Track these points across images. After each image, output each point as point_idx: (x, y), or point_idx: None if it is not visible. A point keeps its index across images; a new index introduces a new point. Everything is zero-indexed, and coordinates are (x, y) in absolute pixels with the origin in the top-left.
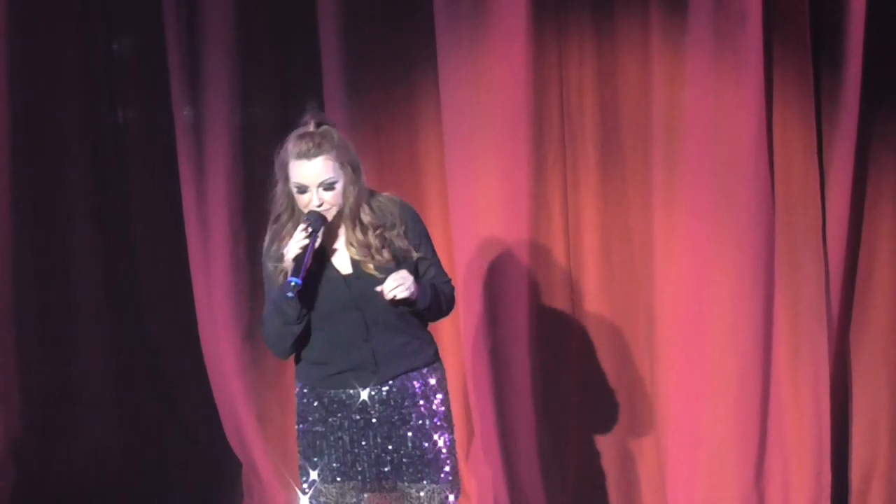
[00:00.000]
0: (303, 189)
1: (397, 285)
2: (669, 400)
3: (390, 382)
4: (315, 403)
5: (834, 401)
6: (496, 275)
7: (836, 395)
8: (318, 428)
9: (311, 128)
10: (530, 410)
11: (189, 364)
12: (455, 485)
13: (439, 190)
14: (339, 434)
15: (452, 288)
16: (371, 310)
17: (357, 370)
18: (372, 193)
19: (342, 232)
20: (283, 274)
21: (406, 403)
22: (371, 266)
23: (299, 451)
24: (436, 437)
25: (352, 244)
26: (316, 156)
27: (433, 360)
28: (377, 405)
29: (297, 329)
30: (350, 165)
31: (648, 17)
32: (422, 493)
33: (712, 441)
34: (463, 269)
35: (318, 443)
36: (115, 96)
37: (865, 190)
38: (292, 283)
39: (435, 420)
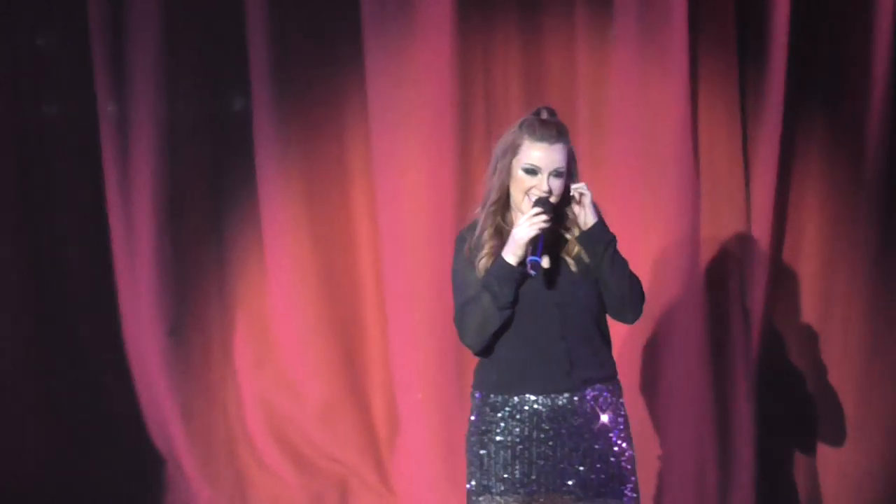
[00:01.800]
0: (534, 171)
1: (588, 191)
2: None
3: (581, 391)
4: (498, 414)
5: (758, 391)
6: (422, 269)
7: (761, 386)
8: (499, 438)
9: (550, 116)
10: (457, 408)
11: (113, 360)
12: (637, 503)
13: (365, 184)
14: (525, 445)
15: (639, 280)
16: (571, 307)
17: (550, 370)
18: None
19: (551, 226)
20: (486, 257)
21: (594, 415)
22: (570, 260)
23: (474, 463)
24: (620, 452)
25: (567, 236)
26: (557, 142)
27: (616, 372)
28: (567, 415)
29: (507, 315)
30: (574, 163)
31: (574, 12)
32: None
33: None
34: (389, 262)
35: (501, 454)
36: (39, 91)
37: (790, 183)
38: (534, 262)
39: (620, 434)
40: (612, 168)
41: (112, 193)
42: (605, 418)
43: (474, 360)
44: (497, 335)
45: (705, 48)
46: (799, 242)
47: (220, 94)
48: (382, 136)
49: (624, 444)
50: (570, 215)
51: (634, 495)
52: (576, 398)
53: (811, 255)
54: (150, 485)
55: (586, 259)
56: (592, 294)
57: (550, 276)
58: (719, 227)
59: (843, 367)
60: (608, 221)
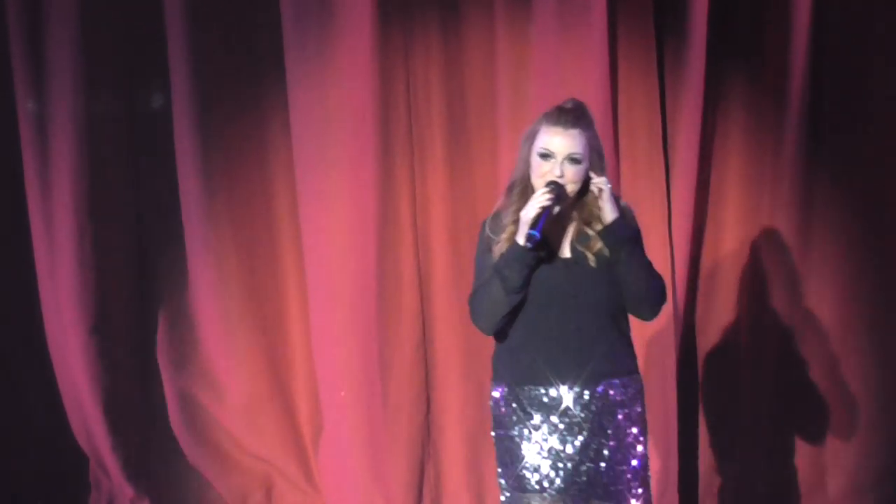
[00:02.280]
0: (548, 156)
1: (607, 185)
2: None
3: (594, 387)
4: (514, 405)
5: (681, 392)
6: (344, 267)
7: (683, 387)
8: (514, 433)
9: (572, 105)
10: (380, 404)
11: (34, 358)
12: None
13: (288, 182)
14: (539, 439)
15: (662, 279)
16: (587, 297)
17: (562, 361)
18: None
19: (573, 217)
20: (503, 242)
21: (608, 411)
22: (591, 255)
23: (497, 459)
24: (632, 451)
25: (588, 231)
26: (573, 127)
27: (635, 369)
28: (580, 409)
29: (516, 300)
30: (597, 153)
31: (493, 7)
32: None
33: None
34: (312, 262)
35: (516, 450)
36: None
37: (709, 182)
38: (530, 234)
39: (633, 432)
40: None
41: (32, 191)
42: (619, 415)
43: (399, 359)
44: (510, 319)
45: (624, 42)
46: (719, 242)
47: (140, 92)
48: (304, 135)
49: (637, 443)
50: (595, 211)
51: (641, 491)
52: (587, 392)
53: (731, 254)
54: (73, 484)
55: (608, 255)
56: (610, 290)
57: (569, 269)
58: (638, 215)
59: (767, 352)
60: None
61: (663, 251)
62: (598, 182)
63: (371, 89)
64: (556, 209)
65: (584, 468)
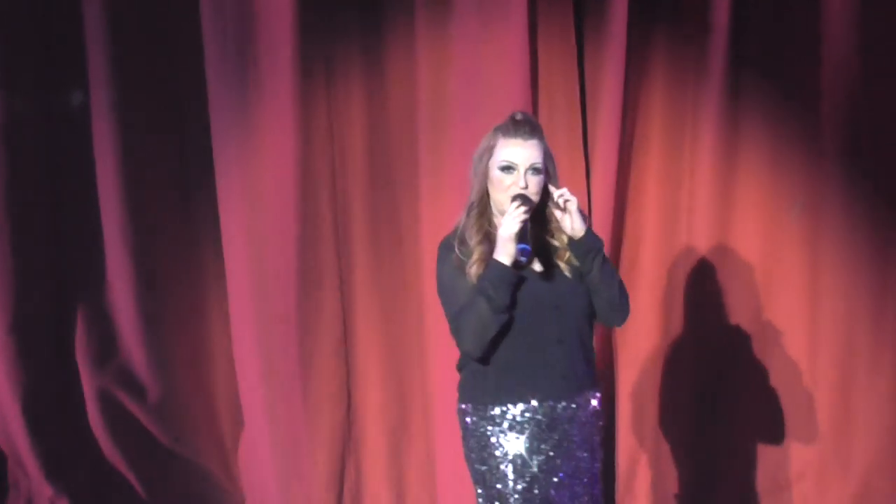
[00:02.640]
0: (510, 168)
1: (573, 197)
2: (438, 391)
3: (579, 397)
4: (493, 427)
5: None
6: (264, 265)
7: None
8: (498, 453)
9: (524, 117)
10: (300, 402)
11: None
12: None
13: (208, 179)
14: (527, 456)
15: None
16: (568, 311)
17: (548, 375)
18: None
19: (536, 231)
20: (475, 263)
21: (587, 421)
22: (563, 266)
23: (478, 481)
24: (597, 460)
25: (554, 243)
26: (531, 138)
27: (599, 379)
28: (564, 423)
29: (504, 319)
30: (552, 164)
31: (413, 8)
32: None
33: None
34: (232, 260)
35: (501, 468)
36: None
37: (629, 180)
38: (522, 249)
39: (598, 442)
40: (452, 158)
41: None
42: (595, 424)
43: (320, 356)
44: (495, 341)
45: (545, 42)
46: (639, 239)
47: (57, 89)
48: (223, 133)
49: (599, 453)
50: (555, 221)
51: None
52: (572, 404)
53: (649, 250)
54: None
55: (577, 264)
56: (586, 298)
57: (547, 281)
58: None
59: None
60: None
61: None
62: (563, 193)
63: (291, 87)
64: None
65: (553, 479)
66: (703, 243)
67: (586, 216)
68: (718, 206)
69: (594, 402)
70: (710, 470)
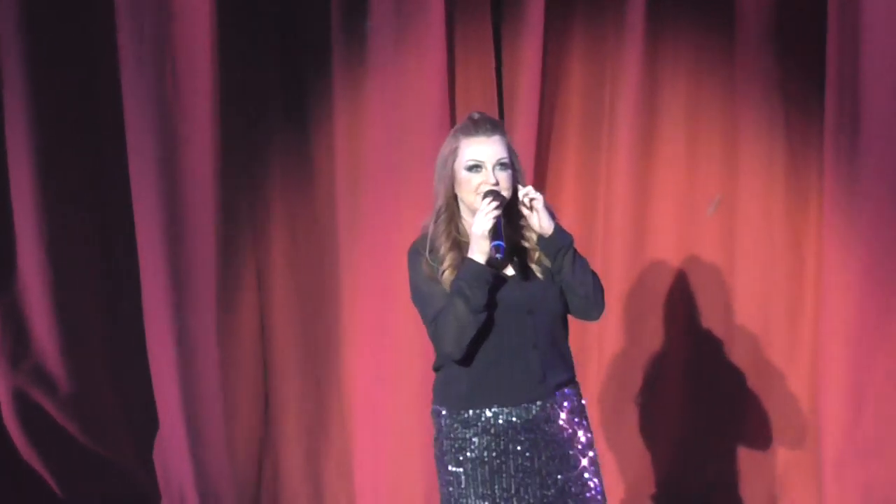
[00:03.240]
0: (477, 167)
1: (538, 194)
2: (355, 387)
3: (554, 397)
4: (470, 431)
5: None
6: (180, 263)
7: None
8: (473, 455)
9: (482, 116)
10: (219, 400)
11: None
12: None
13: (122, 177)
14: (501, 459)
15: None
16: (541, 313)
17: (523, 379)
18: None
19: (508, 233)
20: (447, 268)
21: (566, 419)
22: (535, 268)
23: (451, 483)
24: (588, 454)
25: (524, 244)
26: (493, 133)
27: (575, 371)
28: (541, 423)
29: (481, 319)
30: (517, 159)
31: (329, 22)
32: None
33: (398, 429)
34: (147, 256)
35: (478, 471)
36: None
37: (546, 173)
38: (498, 246)
39: (587, 437)
40: (369, 164)
41: None
42: (575, 421)
43: (237, 355)
44: (475, 342)
45: (461, 36)
46: None
47: None
48: (137, 133)
49: (589, 446)
50: (524, 220)
51: (600, 497)
52: (548, 405)
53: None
54: None
55: (548, 263)
56: (558, 298)
57: (520, 285)
58: None
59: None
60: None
61: None
62: (528, 192)
63: (207, 89)
64: (501, 219)
65: (549, 481)
66: (620, 238)
67: (553, 213)
68: (635, 201)
69: (573, 400)
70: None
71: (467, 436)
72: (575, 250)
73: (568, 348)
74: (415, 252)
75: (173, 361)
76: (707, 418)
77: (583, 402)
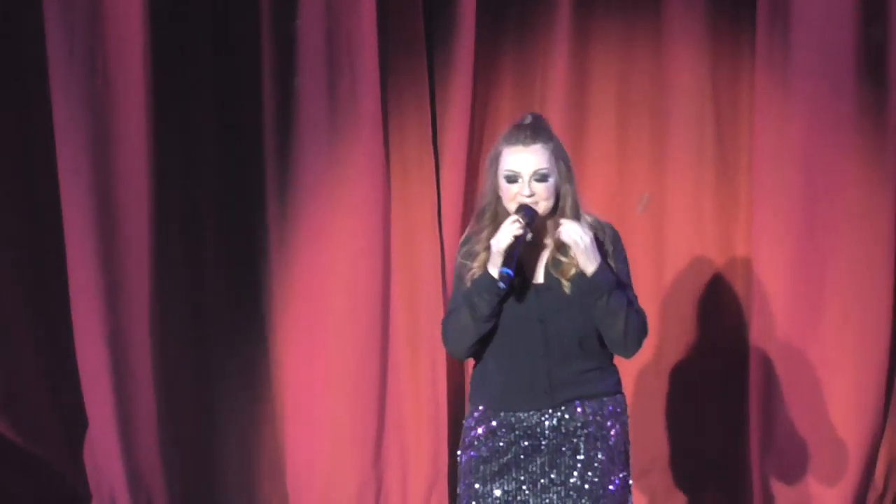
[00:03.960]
0: (514, 178)
1: (578, 235)
2: (288, 388)
3: (562, 408)
4: (480, 430)
5: (451, 382)
6: (113, 262)
7: (454, 377)
8: (483, 453)
9: (529, 121)
10: (150, 398)
11: None
12: None
13: (49, 174)
14: (504, 460)
15: (644, 315)
16: (554, 324)
17: (530, 388)
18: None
19: (547, 242)
20: (476, 270)
21: (577, 432)
22: (565, 282)
23: (462, 478)
24: (606, 473)
25: (562, 259)
26: (533, 143)
27: (612, 390)
28: (547, 431)
29: (485, 328)
30: (564, 163)
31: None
32: None
33: (331, 426)
34: (75, 256)
35: (481, 468)
36: None
37: (478, 174)
38: (504, 273)
39: (607, 454)
40: (302, 176)
41: None
42: (592, 434)
43: (169, 354)
44: (482, 345)
45: (394, 36)
46: None
47: None
48: (67, 131)
49: (613, 466)
50: (588, 228)
51: None
52: (557, 414)
53: None
54: None
55: (584, 275)
56: (581, 316)
57: (540, 291)
58: (410, 220)
59: None
60: None
61: (434, 249)
62: (563, 233)
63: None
64: (529, 236)
65: (551, 487)
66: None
67: (596, 254)
68: None
69: (589, 412)
70: None
71: (478, 434)
72: (611, 298)
73: (593, 364)
74: (462, 245)
75: (104, 361)
76: (642, 411)
77: (610, 417)
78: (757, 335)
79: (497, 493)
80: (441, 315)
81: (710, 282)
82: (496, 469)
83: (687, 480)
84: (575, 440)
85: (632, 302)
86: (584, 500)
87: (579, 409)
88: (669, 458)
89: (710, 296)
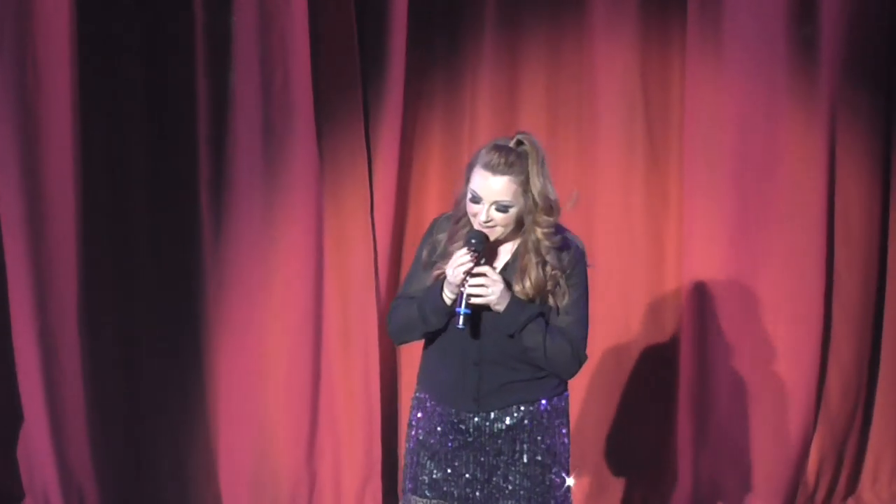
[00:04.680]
0: (476, 199)
1: (480, 284)
2: (220, 385)
3: (494, 412)
4: (419, 414)
5: (384, 379)
6: (44, 259)
7: (386, 374)
8: (421, 437)
9: (512, 144)
10: (80, 396)
11: None
12: None
13: None
14: (438, 447)
15: (581, 344)
16: (490, 338)
17: (461, 392)
18: (560, 229)
19: (515, 260)
20: (439, 275)
21: (501, 434)
22: (518, 287)
23: (406, 462)
24: (536, 474)
25: (529, 278)
26: (503, 174)
27: (549, 393)
28: (472, 429)
29: (430, 334)
30: (534, 197)
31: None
32: None
33: (263, 420)
34: (9, 251)
35: (420, 452)
36: None
37: (411, 170)
38: (461, 314)
39: (537, 456)
40: (235, 163)
41: None
42: (524, 437)
43: (101, 351)
44: (430, 339)
45: (327, 34)
46: (421, 224)
47: None
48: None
49: (545, 467)
50: (552, 259)
51: None
52: (482, 414)
53: None
54: None
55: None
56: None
57: (481, 307)
58: (343, 217)
59: None
60: None
61: (366, 238)
62: (475, 286)
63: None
64: (483, 261)
65: (476, 484)
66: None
67: (505, 296)
68: None
69: (520, 416)
70: None
71: (419, 417)
72: (524, 335)
73: (532, 373)
74: (436, 223)
75: (36, 358)
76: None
77: (544, 419)
78: (687, 330)
79: (437, 475)
80: (374, 313)
81: (641, 278)
82: (430, 453)
83: (617, 478)
84: (500, 441)
85: (558, 334)
86: (507, 501)
87: (512, 414)
88: (602, 455)
89: (640, 292)
